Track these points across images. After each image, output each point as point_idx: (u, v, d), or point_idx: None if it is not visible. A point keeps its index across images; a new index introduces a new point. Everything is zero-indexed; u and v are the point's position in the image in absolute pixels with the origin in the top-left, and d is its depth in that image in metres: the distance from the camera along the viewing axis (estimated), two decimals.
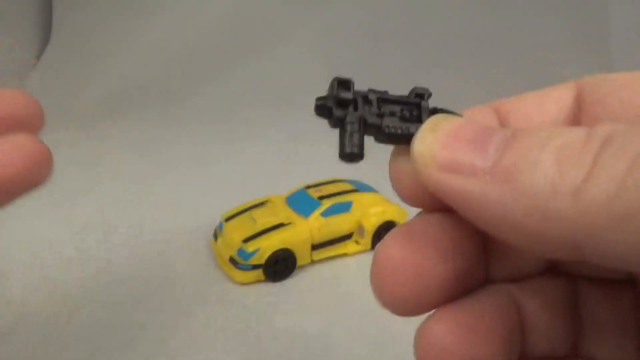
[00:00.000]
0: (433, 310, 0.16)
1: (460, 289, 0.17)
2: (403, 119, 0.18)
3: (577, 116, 0.19)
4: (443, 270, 0.16)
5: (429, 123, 0.16)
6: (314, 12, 0.66)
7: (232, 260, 0.37)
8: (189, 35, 0.67)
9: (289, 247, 0.37)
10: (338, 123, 0.18)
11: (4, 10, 0.66)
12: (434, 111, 0.18)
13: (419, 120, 0.18)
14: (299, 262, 0.38)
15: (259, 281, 0.37)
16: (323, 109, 0.18)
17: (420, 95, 0.19)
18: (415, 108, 0.19)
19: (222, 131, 0.60)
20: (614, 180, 0.12)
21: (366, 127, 0.18)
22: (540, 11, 0.59)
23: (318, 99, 0.18)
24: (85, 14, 0.69)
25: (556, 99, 0.19)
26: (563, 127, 0.15)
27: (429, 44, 0.58)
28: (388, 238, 0.17)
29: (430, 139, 0.15)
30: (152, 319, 0.34)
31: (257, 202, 0.40)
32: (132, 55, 0.67)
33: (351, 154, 0.18)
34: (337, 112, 0.18)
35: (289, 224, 0.38)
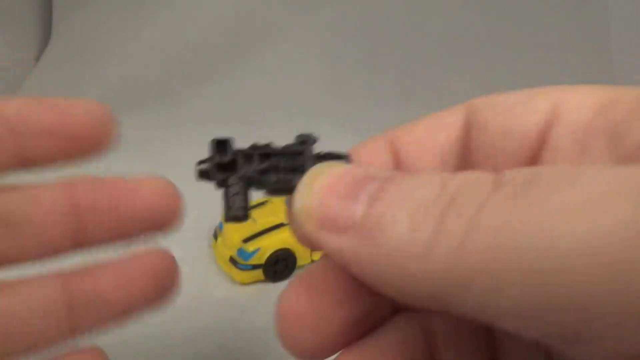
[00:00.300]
0: (338, 353, 0.17)
1: (365, 328, 0.17)
2: (288, 170, 0.18)
3: (467, 143, 0.19)
4: (341, 316, 0.16)
5: (307, 177, 0.16)
6: (315, 12, 0.66)
7: (232, 260, 0.37)
8: (189, 35, 0.67)
9: (289, 247, 0.37)
10: (220, 185, 0.18)
11: (4, 10, 0.66)
12: (319, 157, 0.18)
13: (302, 170, 0.17)
14: (299, 262, 0.38)
15: (259, 281, 0.37)
16: (204, 174, 0.18)
17: (303, 142, 0.18)
18: (299, 157, 0.18)
19: (222, 131, 0.60)
20: (453, 244, 0.12)
21: (251, 185, 0.18)
22: (540, 11, 0.59)
23: (198, 163, 0.18)
24: (85, 14, 0.69)
25: (447, 126, 0.19)
26: (430, 174, 0.15)
27: (429, 44, 0.58)
28: (289, 286, 0.17)
29: (307, 195, 0.15)
30: (151, 318, 0.34)
31: (257, 202, 0.40)
32: (132, 55, 0.67)
33: (235, 217, 0.18)
34: (216, 177, 0.18)
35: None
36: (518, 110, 0.17)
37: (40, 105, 0.19)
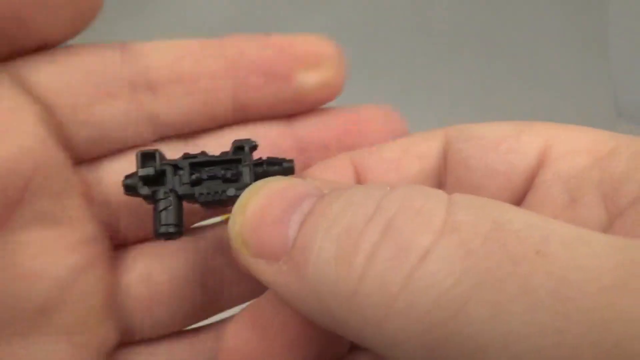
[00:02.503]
0: None
1: None
2: (225, 179, 0.17)
3: (442, 178, 0.17)
4: (294, 357, 0.15)
5: (241, 198, 0.14)
6: (316, 12, 0.66)
7: None
8: (191, 36, 0.68)
9: None
10: (148, 200, 0.17)
11: None
12: (258, 165, 0.17)
13: (238, 180, 0.17)
14: None
15: None
16: (130, 188, 0.17)
17: (240, 148, 0.17)
18: (237, 164, 0.17)
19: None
20: (384, 294, 0.11)
21: (182, 199, 0.17)
22: (540, 11, 0.60)
23: (126, 177, 0.17)
24: None
25: (420, 155, 0.17)
26: (367, 188, 0.13)
27: (428, 43, 0.59)
28: (234, 323, 0.15)
29: (240, 222, 0.14)
30: None
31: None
32: None
33: (166, 233, 0.16)
34: (143, 191, 0.16)
35: None
36: (505, 148, 0.16)
37: (262, 42, 0.18)
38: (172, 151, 0.18)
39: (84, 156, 0.18)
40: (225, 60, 0.18)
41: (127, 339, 0.18)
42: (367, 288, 0.11)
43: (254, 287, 0.19)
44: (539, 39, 0.59)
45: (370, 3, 0.64)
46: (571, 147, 0.15)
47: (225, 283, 0.19)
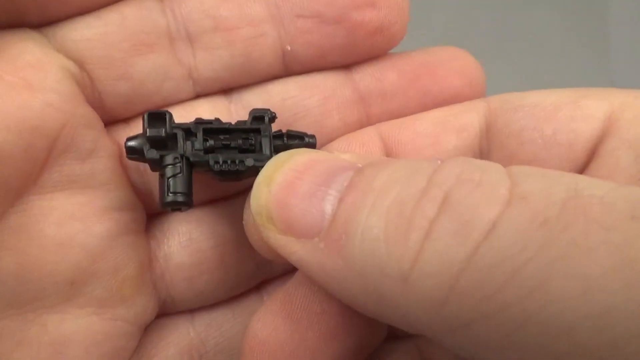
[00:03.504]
0: None
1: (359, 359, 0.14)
2: (241, 149, 0.15)
3: (486, 153, 0.15)
4: (331, 351, 0.13)
5: (266, 170, 0.13)
6: None
7: None
8: None
9: None
10: (155, 166, 0.15)
11: None
12: (278, 137, 0.15)
13: (261, 149, 0.15)
14: None
15: None
16: (134, 151, 0.15)
17: (259, 118, 0.15)
18: (255, 135, 0.15)
19: None
20: (445, 273, 0.10)
21: (193, 167, 0.15)
22: (540, 11, 0.60)
23: (128, 139, 0.15)
24: None
25: (457, 129, 0.16)
26: (413, 161, 0.11)
27: (427, 43, 0.59)
28: (262, 314, 0.13)
29: (266, 195, 0.12)
30: None
31: None
32: None
33: (173, 202, 0.14)
34: (150, 154, 0.14)
35: None
36: (565, 115, 0.14)
37: None
38: (214, 108, 0.17)
39: (118, 115, 0.16)
40: (267, 4, 0.16)
41: (167, 310, 0.17)
42: (425, 267, 0.10)
43: None
44: (539, 38, 0.59)
45: None
46: None
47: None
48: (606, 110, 0.14)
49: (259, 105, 0.17)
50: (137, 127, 0.16)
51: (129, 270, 0.15)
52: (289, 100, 0.17)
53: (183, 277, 0.17)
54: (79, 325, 0.15)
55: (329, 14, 0.16)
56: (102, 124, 0.16)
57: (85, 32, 0.15)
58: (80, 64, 0.15)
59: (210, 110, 0.17)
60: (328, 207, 0.12)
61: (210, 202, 0.17)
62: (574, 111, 0.14)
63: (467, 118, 0.16)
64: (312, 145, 0.16)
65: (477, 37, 0.59)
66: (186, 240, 0.17)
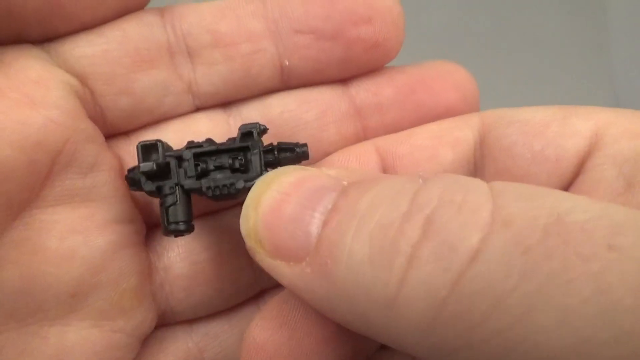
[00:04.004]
0: None
1: None
2: (233, 169, 0.15)
3: (480, 166, 0.16)
4: (327, 357, 0.13)
5: (253, 192, 0.13)
6: None
7: None
8: None
9: None
10: (153, 196, 0.15)
11: None
12: (269, 151, 0.15)
13: (247, 170, 0.15)
14: None
15: None
16: (134, 183, 0.15)
17: (247, 134, 0.15)
18: (245, 152, 0.15)
19: None
20: (430, 300, 0.10)
21: (190, 192, 0.15)
22: (540, 11, 0.60)
23: (128, 171, 0.15)
24: None
25: (453, 143, 0.16)
26: (397, 179, 0.12)
27: (427, 42, 0.59)
28: (259, 318, 0.14)
29: (254, 218, 0.12)
30: None
31: None
32: None
33: (175, 231, 0.15)
34: (147, 187, 0.15)
35: None
36: (553, 132, 0.15)
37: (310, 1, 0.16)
38: (213, 122, 0.17)
39: (119, 129, 0.16)
40: (266, 20, 0.16)
41: (166, 321, 0.17)
42: (410, 293, 0.10)
43: None
44: (539, 38, 0.59)
45: None
46: (626, 130, 0.14)
47: None
48: (592, 128, 0.14)
49: (258, 118, 0.17)
50: (137, 140, 0.16)
51: (129, 282, 0.16)
52: (287, 113, 0.17)
53: (182, 287, 0.17)
54: (80, 337, 0.15)
55: (326, 30, 0.16)
56: (103, 138, 0.16)
57: (87, 49, 0.15)
58: (82, 79, 0.15)
59: (209, 124, 0.17)
60: (313, 230, 0.12)
61: (209, 213, 0.18)
62: (562, 128, 0.15)
63: (462, 132, 0.16)
64: (305, 155, 0.16)
65: (477, 37, 0.59)
66: (185, 252, 0.17)
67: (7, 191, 0.14)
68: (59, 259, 0.14)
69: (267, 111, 0.17)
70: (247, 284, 0.18)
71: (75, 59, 0.15)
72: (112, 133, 0.16)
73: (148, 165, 0.15)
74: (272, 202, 0.12)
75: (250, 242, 0.13)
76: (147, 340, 0.17)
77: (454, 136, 0.16)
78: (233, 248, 0.17)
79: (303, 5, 0.16)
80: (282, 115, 0.17)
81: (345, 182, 0.12)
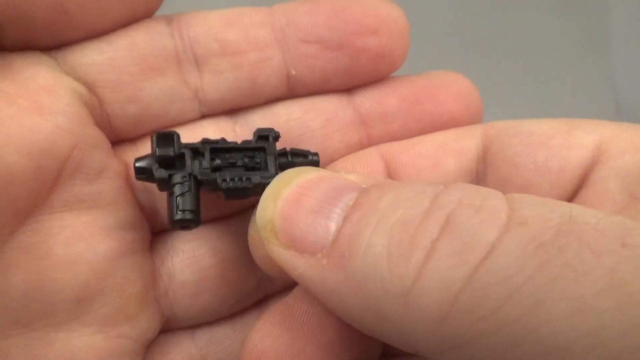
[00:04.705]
0: None
1: None
2: (247, 168, 0.15)
3: (482, 176, 0.16)
4: None
5: (273, 185, 0.13)
6: None
7: None
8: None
9: None
10: (164, 185, 0.15)
11: None
12: (282, 155, 0.16)
13: (266, 168, 0.15)
14: None
15: None
16: (143, 171, 0.15)
17: (263, 137, 0.16)
18: (260, 153, 0.16)
19: None
20: (445, 292, 0.10)
21: (200, 185, 0.15)
22: (540, 11, 0.60)
23: (137, 159, 0.15)
24: None
25: (457, 152, 0.16)
26: (417, 184, 0.12)
27: (426, 42, 0.59)
28: (261, 324, 0.14)
29: (272, 209, 0.13)
30: None
31: None
32: None
33: (182, 220, 0.15)
34: (159, 173, 0.15)
35: None
36: (557, 143, 0.15)
37: (312, 7, 0.16)
38: (219, 129, 0.17)
39: (126, 136, 0.17)
40: (273, 29, 0.16)
41: (170, 327, 0.17)
42: (426, 285, 0.10)
43: None
44: (540, 38, 0.59)
45: None
46: (630, 144, 0.14)
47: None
48: (596, 141, 0.14)
49: (264, 126, 0.17)
50: (143, 147, 0.17)
51: (135, 288, 0.16)
52: (293, 122, 0.17)
53: (186, 294, 0.17)
54: (85, 343, 0.15)
55: (333, 40, 0.16)
56: (110, 145, 0.16)
57: (96, 57, 0.15)
58: (90, 87, 0.16)
59: (215, 131, 0.17)
60: (332, 225, 0.12)
61: (213, 220, 0.18)
62: (566, 140, 0.15)
63: (466, 142, 0.16)
64: (316, 163, 0.16)
65: (477, 38, 0.59)
66: (189, 258, 0.17)
67: (14, 197, 0.14)
68: (65, 264, 0.15)
69: (273, 119, 0.17)
70: (251, 291, 0.18)
71: (83, 66, 0.15)
72: (119, 140, 0.17)
73: (165, 150, 0.15)
74: (292, 195, 0.13)
75: (265, 233, 0.13)
76: (150, 345, 0.17)
77: (458, 146, 0.16)
78: (236, 255, 0.17)
79: (310, 15, 0.17)
80: (287, 123, 0.17)
81: (364, 185, 0.12)
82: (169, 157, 0.15)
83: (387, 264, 0.11)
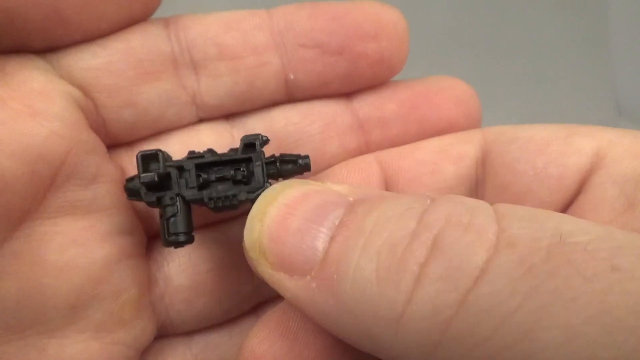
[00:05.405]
0: None
1: None
2: (235, 181, 0.15)
3: (481, 182, 0.16)
4: None
5: (258, 204, 0.13)
6: None
7: None
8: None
9: None
10: (154, 207, 0.15)
11: None
12: (271, 163, 0.15)
13: (249, 182, 0.15)
14: None
15: None
16: (133, 193, 0.15)
17: (249, 145, 0.15)
18: (247, 164, 0.15)
19: None
20: (437, 318, 0.10)
21: (191, 203, 0.15)
22: (540, 11, 0.60)
23: (127, 180, 0.15)
24: None
25: (455, 158, 0.16)
26: (404, 198, 0.12)
27: (426, 42, 0.59)
28: (258, 330, 0.14)
29: (259, 230, 0.12)
30: None
31: None
32: None
33: (175, 242, 0.15)
34: (147, 197, 0.15)
35: None
36: (555, 150, 0.15)
37: (312, 11, 0.16)
38: (217, 133, 0.17)
39: (122, 140, 0.16)
40: (272, 33, 0.16)
41: (165, 332, 0.17)
42: (417, 311, 0.10)
43: None
44: (539, 38, 0.59)
45: None
46: (628, 150, 0.14)
47: None
48: (594, 147, 0.14)
49: (262, 130, 0.17)
50: (139, 150, 0.16)
51: (130, 293, 0.16)
52: (291, 126, 0.17)
53: (182, 298, 0.17)
54: (79, 349, 0.15)
55: (332, 45, 0.16)
56: (105, 150, 0.16)
57: (92, 61, 0.15)
58: (85, 91, 0.15)
59: (212, 136, 0.17)
60: (320, 245, 0.12)
61: (208, 225, 0.18)
62: (565, 146, 0.15)
63: (464, 148, 0.16)
64: (307, 167, 0.16)
65: (476, 38, 0.59)
66: (185, 263, 0.17)
67: (6, 202, 0.14)
68: (58, 270, 0.14)
69: (271, 123, 0.17)
70: (247, 296, 0.18)
71: (78, 70, 0.15)
72: (115, 144, 0.16)
73: (149, 176, 0.15)
74: (277, 214, 0.12)
75: (254, 254, 0.13)
76: (146, 351, 0.17)
77: (457, 151, 0.16)
78: (233, 260, 0.17)
79: (309, 19, 0.16)
80: (285, 127, 0.17)
81: (350, 199, 0.12)
82: (154, 183, 0.15)
83: (377, 289, 0.11)
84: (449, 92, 0.18)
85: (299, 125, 0.17)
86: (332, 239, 0.12)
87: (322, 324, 0.12)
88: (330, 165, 0.17)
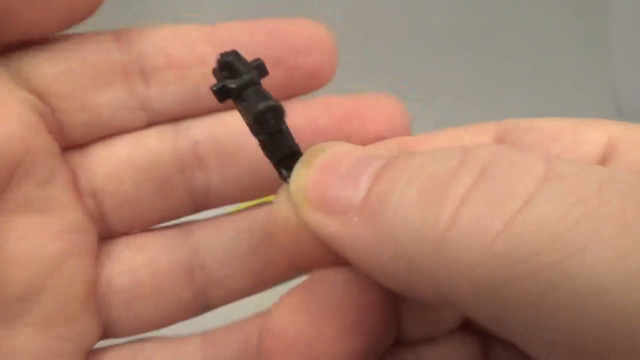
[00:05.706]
0: None
1: None
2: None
3: None
4: (345, 348, 0.13)
5: (306, 155, 0.14)
6: (315, 11, 0.66)
7: None
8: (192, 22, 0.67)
9: None
10: (240, 90, 0.15)
11: None
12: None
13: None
14: None
15: None
16: (222, 92, 0.15)
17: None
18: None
19: None
20: (480, 237, 0.10)
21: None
22: (540, 11, 0.60)
23: (213, 86, 0.15)
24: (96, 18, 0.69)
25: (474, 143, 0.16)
26: (444, 150, 0.12)
27: (426, 42, 0.59)
28: (282, 303, 0.14)
29: (304, 176, 0.13)
30: None
31: None
32: None
33: (273, 106, 0.14)
34: (231, 83, 0.15)
35: None
36: (569, 138, 0.15)
37: (252, 27, 0.18)
38: (162, 136, 0.18)
39: (75, 142, 0.18)
40: (214, 46, 0.18)
41: (109, 334, 0.18)
42: (460, 231, 0.10)
43: (245, 285, 0.19)
44: (539, 38, 0.59)
45: (369, 2, 0.64)
46: (637, 142, 0.14)
47: (214, 280, 0.19)
48: (607, 137, 0.15)
49: (205, 135, 0.18)
50: (90, 152, 0.18)
51: (77, 290, 0.16)
52: (233, 131, 0.18)
53: (121, 300, 0.18)
54: (24, 343, 0.16)
55: (269, 57, 0.17)
56: (60, 152, 0.17)
57: (49, 69, 0.16)
58: (42, 97, 0.16)
59: (158, 139, 0.18)
60: (363, 185, 0.12)
61: (153, 230, 0.19)
62: (578, 135, 0.15)
63: (481, 137, 0.17)
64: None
65: (476, 38, 0.59)
66: (127, 265, 0.18)
67: None
68: (7, 263, 0.15)
69: (214, 128, 0.18)
70: (186, 303, 0.18)
71: (36, 79, 0.16)
72: (68, 146, 0.18)
73: (227, 56, 0.15)
74: (324, 162, 0.13)
75: (297, 198, 0.13)
76: (91, 355, 0.17)
77: (473, 139, 0.17)
78: (178, 265, 0.18)
79: (250, 34, 0.18)
80: (227, 132, 0.18)
81: (396, 153, 0.13)
82: (236, 66, 0.15)
83: (420, 212, 0.11)
84: (377, 108, 0.19)
85: (240, 129, 0.18)
86: (376, 178, 0.12)
87: (359, 258, 0.12)
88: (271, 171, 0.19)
